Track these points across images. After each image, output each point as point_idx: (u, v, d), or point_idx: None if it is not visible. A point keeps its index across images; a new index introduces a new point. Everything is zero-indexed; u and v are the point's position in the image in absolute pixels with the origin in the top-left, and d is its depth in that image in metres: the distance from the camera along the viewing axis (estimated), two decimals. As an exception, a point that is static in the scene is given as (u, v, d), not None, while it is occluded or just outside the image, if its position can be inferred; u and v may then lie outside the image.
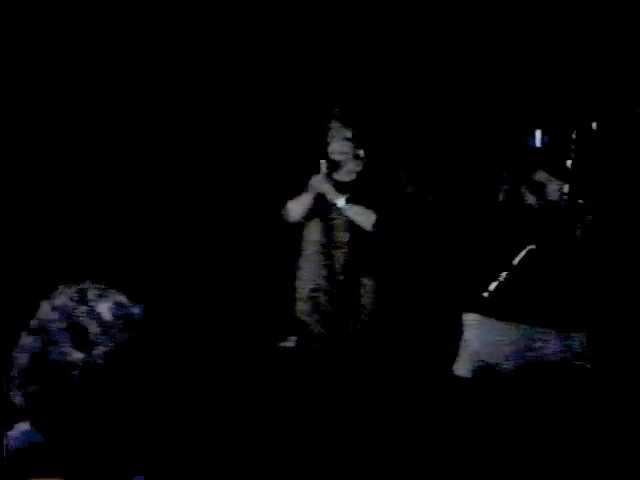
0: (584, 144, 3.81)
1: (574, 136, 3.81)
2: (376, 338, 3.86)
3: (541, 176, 3.81)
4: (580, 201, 3.71)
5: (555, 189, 3.77)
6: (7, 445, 1.64)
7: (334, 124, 3.88)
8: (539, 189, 3.80)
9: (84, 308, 1.65)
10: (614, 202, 3.63)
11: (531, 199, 3.81)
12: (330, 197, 3.84)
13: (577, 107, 4.04)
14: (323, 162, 3.85)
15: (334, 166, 3.87)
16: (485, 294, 3.60)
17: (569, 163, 3.80)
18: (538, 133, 3.96)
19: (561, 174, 3.79)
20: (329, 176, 3.86)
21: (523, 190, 3.83)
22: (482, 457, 3.30)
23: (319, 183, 3.86)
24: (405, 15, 4.41)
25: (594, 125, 3.81)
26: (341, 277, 3.88)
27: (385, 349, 3.86)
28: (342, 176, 3.91)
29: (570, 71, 4.23)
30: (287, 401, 3.78)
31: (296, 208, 3.92)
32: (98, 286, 1.64)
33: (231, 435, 3.54)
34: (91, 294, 1.65)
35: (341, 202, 3.83)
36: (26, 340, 1.67)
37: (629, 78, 4.09)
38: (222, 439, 3.48)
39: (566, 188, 3.76)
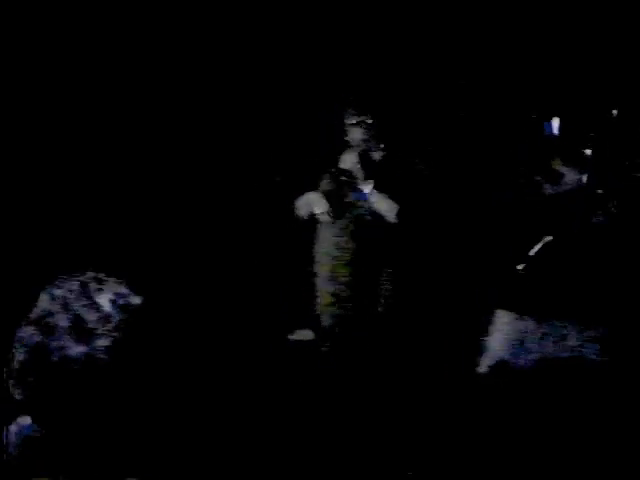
0: (603, 132, 3.75)
1: (593, 124, 3.76)
2: (397, 331, 3.82)
3: (558, 165, 3.75)
4: (599, 191, 3.66)
5: (573, 179, 3.72)
6: (8, 439, 1.59)
7: (352, 112, 3.85)
8: (556, 179, 3.74)
9: (84, 300, 1.59)
10: (634, 192, 3.58)
11: (548, 189, 3.76)
12: (359, 183, 3.81)
13: (596, 94, 3.97)
14: (357, 147, 3.82)
15: (364, 153, 3.83)
16: (500, 286, 3.55)
17: (588, 152, 3.75)
18: (555, 121, 3.90)
19: (579, 163, 3.73)
20: (360, 161, 3.82)
21: (540, 180, 3.78)
22: (498, 453, 3.25)
23: (351, 168, 3.82)
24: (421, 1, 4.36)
25: (614, 113, 3.75)
26: (361, 269, 3.83)
27: (405, 342, 3.82)
28: (364, 165, 3.88)
29: (589, 57, 4.16)
30: (299, 396, 3.73)
31: (310, 201, 3.88)
32: (98, 276, 1.58)
33: (238, 431, 3.49)
34: (91, 285, 1.59)
35: (368, 188, 3.79)
36: (25, 332, 1.62)
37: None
38: (228, 435, 3.43)
39: (584, 178, 3.71)
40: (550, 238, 3.56)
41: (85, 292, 1.62)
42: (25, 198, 4.01)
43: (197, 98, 4.38)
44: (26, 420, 1.65)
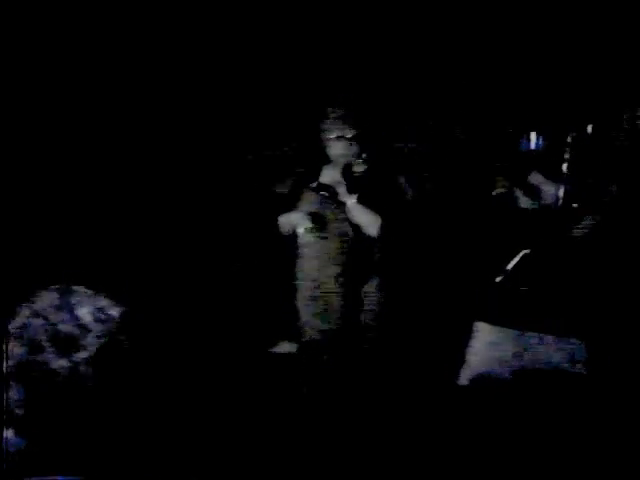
0: (579, 147, 3.79)
1: (569, 139, 3.79)
2: (380, 344, 3.82)
3: (536, 179, 3.78)
4: (575, 205, 3.69)
5: (550, 192, 3.75)
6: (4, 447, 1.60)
7: (334, 125, 3.84)
8: (534, 192, 3.77)
9: (64, 313, 1.60)
10: (610, 206, 3.61)
11: (526, 202, 3.78)
12: (341, 196, 3.80)
13: (572, 110, 4.01)
14: (337, 161, 3.82)
15: (347, 167, 3.83)
16: (479, 299, 3.57)
17: (564, 166, 3.78)
18: (533, 135, 3.94)
19: (556, 177, 3.77)
20: (343, 175, 3.82)
21: (518, 193, 3.81)
22: (478, 464, 3.26)
23: (332, 182, 3.82)
24: (401, 18, 4.38)
25: (589, 128, 3.79)
26: (344, 282, 3.84)
27: (389, 355, 3.82)
28: (346, 179, 3.88)
29: (566, 73, 4.20)
30: (283, 407, 3.73)
31: (293, 219, 3.89)
32: (78, 289, 1.59)
33: (222, 444, 3.49)
34: (71, 298, 1.61)
35: (351, 201, 3.78)
36: (6, 346, 1.63)
37: (624, 81, 4.07)
38: (212, 447, 3.42)
39: (561, 191, 3.74)
40: (528, 251, 3.59)
41: (64, 305, 1.63)
42: (4, 213, 3.99)
43: (181, 109, 4.38)
44: (9, 433, 1.66)
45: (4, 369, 1.63)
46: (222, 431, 3.53)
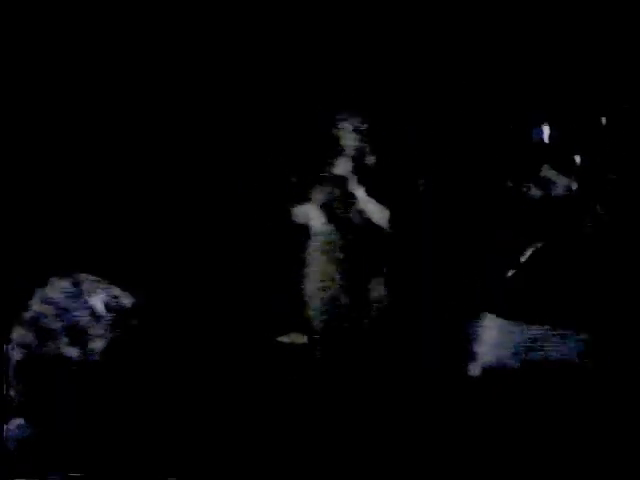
0: (593, 140, 3.77)
1: (583, 131, 3.77)
2: (387, 336, 3.83)
3: (548, 172, 3.77)
4: (588, 199, 3.68)
5: (562, 186, 3.74)
6: (5, 438, 1.60)
7: (345, 118, 3.84)
8: (546, 185, 3.76)
9: (77, 301, 1.60)
10: (623, 200, 3.60)
11: (537, 196, 3.77)
12: (352, 187, 3.81)
13: (586, 101, 3.99)
14: (349, 153, 3.82)
15: (359, 157, 3.83)
16: (490, 293, 3.57)
17: (577, 159, 3.76)
18: (545, 127, 3.91)
19: (569, 170, 3.75)
20: (353, 168, 3.82)
21: (529, 186, 3.79)
22: (486, 457, 3.26)
23: (344, 173, 3.83)
24: (410, 7, 4.37)
25: (604, 120, 3.77)
26: (353, 274, 3.84)
27: (396, 347, 3.82)
28: (357, 170, 3.88)
29: (580, 64, 4.18)
30: (291, 399, 3.73)
31: (306, 212, 3.89)
32: (91, 277, 1.59)
33: (231, 433, 3.50)
34: (84, 286, 1.60)
35: (361, 192, 3.80)
36: (19, 334, 1.62)
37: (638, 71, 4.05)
38: (221, 437, 3.43)
39: (574, 185, 3.73)
40: (540, 244, 3.57)
41: (77, 293, 1.63)
42: (17, 199, 3.99)
43: (190, 102, 4.38)
44: (20, 421, 1.66)
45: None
46: (230, 423, 3.54)
